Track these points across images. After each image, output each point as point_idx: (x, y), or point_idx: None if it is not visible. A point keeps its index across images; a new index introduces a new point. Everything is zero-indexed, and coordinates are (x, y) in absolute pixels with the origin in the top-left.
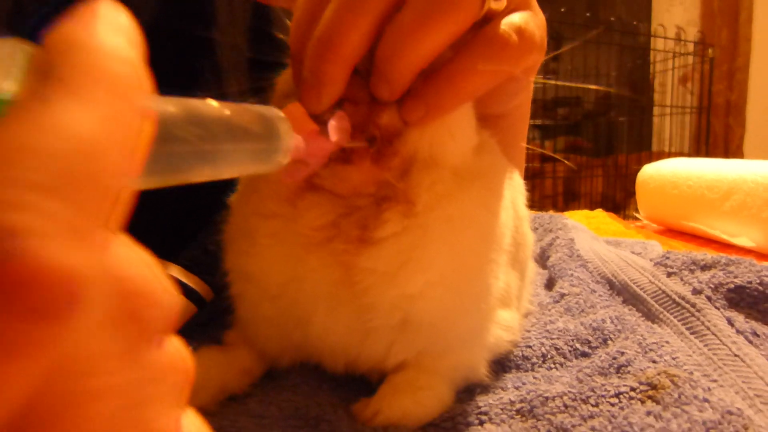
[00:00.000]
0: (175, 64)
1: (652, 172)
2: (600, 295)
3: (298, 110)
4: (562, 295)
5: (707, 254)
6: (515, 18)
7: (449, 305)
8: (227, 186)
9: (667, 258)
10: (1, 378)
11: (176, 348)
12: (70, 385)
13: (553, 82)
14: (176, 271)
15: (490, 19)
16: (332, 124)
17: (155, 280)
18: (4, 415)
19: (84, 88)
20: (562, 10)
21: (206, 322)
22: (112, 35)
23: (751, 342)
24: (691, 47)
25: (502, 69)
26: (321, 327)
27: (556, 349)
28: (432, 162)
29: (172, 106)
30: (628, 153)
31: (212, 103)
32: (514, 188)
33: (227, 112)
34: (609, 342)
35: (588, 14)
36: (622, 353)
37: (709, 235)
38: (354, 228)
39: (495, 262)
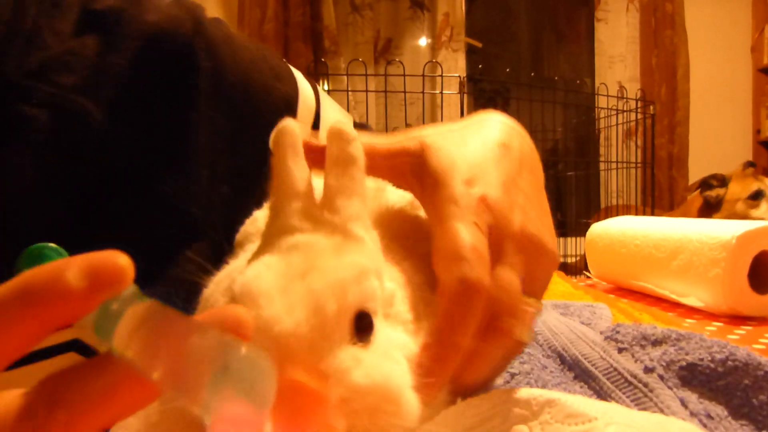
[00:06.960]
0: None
1: (600, 230)
2: (551, 372)
3: None
4: (513, 375)
5: (657, 327)
6: None
7: None
8: None
9: (617, 332)
10: None
11: None
12: None
13: None
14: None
15: None
16: None
17: None
18: None
19: None
20: (508, 70)
21: None
22: None
23: (705, 425)
24: (633, 104)
25: None
26: None
27: None
28: None
29: None
30: (576, 206)
31: None
32: None
33: None
34: None
35: (532, 73)
36: None
37: (658, 294)
38: None
39: None
